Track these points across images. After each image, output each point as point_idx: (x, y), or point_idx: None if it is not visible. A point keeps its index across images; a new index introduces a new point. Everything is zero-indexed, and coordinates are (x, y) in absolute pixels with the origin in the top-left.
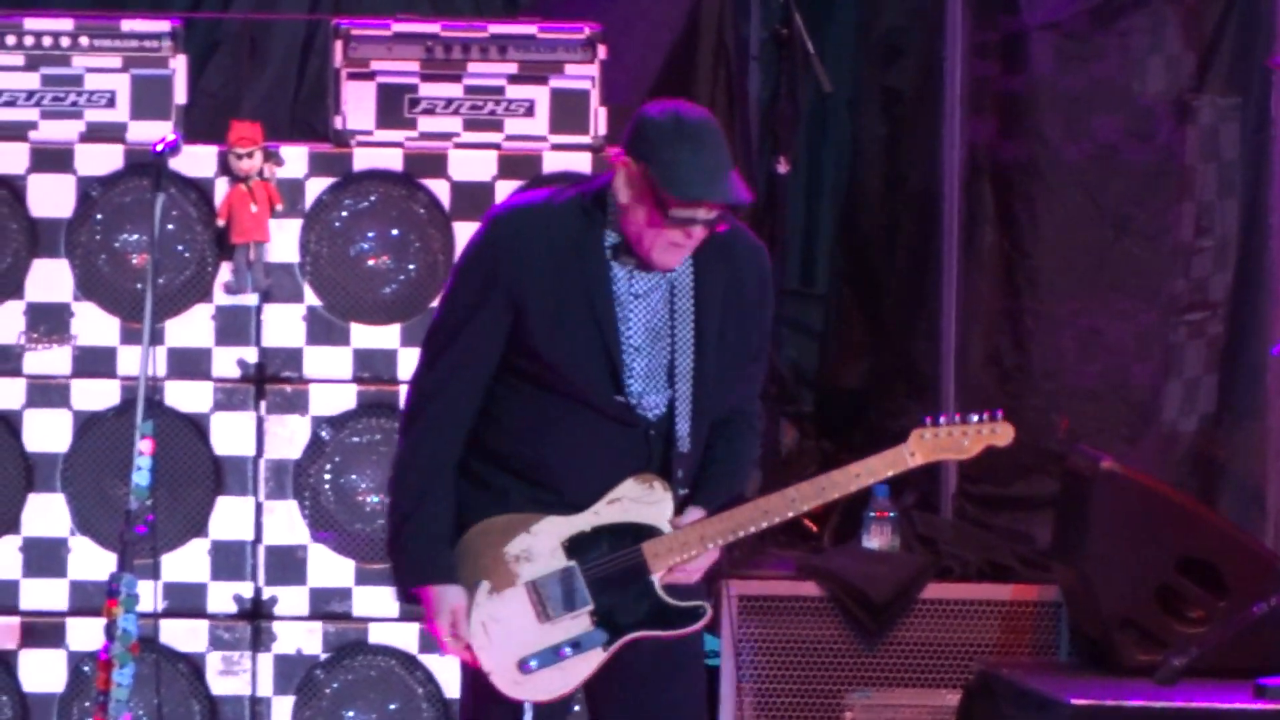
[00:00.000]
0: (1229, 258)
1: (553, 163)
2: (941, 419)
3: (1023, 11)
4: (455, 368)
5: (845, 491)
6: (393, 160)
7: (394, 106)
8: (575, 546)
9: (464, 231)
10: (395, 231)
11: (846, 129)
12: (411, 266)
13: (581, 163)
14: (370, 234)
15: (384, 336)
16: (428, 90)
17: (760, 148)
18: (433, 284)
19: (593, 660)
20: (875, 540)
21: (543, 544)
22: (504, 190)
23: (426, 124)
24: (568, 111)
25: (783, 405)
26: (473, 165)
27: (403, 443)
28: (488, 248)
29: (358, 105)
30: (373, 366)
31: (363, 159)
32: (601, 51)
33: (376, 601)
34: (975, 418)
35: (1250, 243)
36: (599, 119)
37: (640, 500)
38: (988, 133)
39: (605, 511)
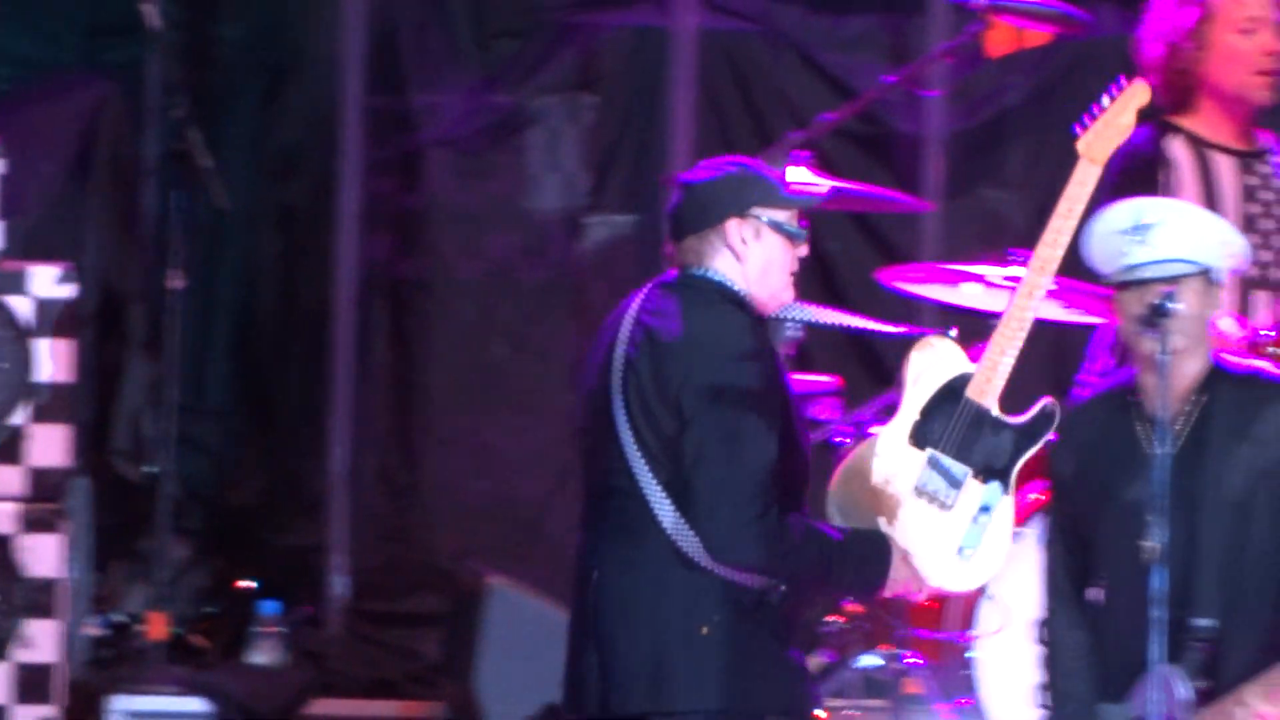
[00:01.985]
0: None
1: None
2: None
3: (420, 128)
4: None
5: (1071, 231)
6: None
7: None
8: (919, 437)
9: None
10: None
11: (241, 245)
12: None
13: None
14: None
15: None
16: None
17: (154, 263)
18: None
19: (1006, 507)
20: (262, 655)
21: (894, 457)
22: None
23: None
24: None
25: (175, 521)
26: None
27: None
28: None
29: None
30: None
31: None
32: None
33: None
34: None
35: None
36: None
37: (933, 363)
38: (384, 250)
39: (916, 392)
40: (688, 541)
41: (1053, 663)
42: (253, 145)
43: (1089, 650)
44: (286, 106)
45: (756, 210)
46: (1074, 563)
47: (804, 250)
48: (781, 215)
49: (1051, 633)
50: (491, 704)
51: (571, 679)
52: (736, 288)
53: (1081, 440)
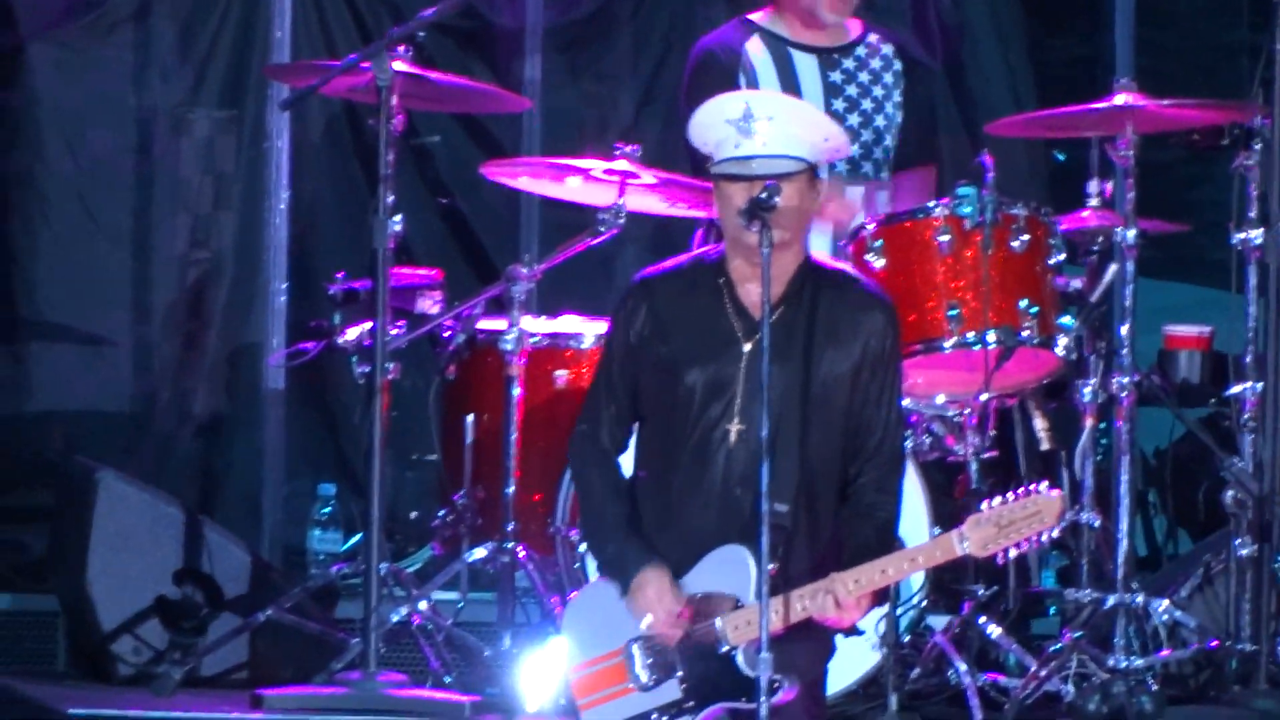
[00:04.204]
0: (224, 271)
1: None
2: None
3: (20, 24)
4: None
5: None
6: None
7: None
8: None
9: None
10: None
11: None
12: None
13: None
14: None
15: None
16: None
17: None
18: None
19: None
20: None
21: None
22: None
23: None
24: None
25: None
26: None
27: None
28: None
29: None
30: None
31: None
32: None
33: None
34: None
35: (246, 255)
36: None
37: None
38: None
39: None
40: None
41: (598, 528)
42: None
43: (629, 522)
44: None
45: None
46: (621, 433)
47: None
48: None
49: (593, 502)
50: (101, 597)
51: None
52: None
53: (661, 309)
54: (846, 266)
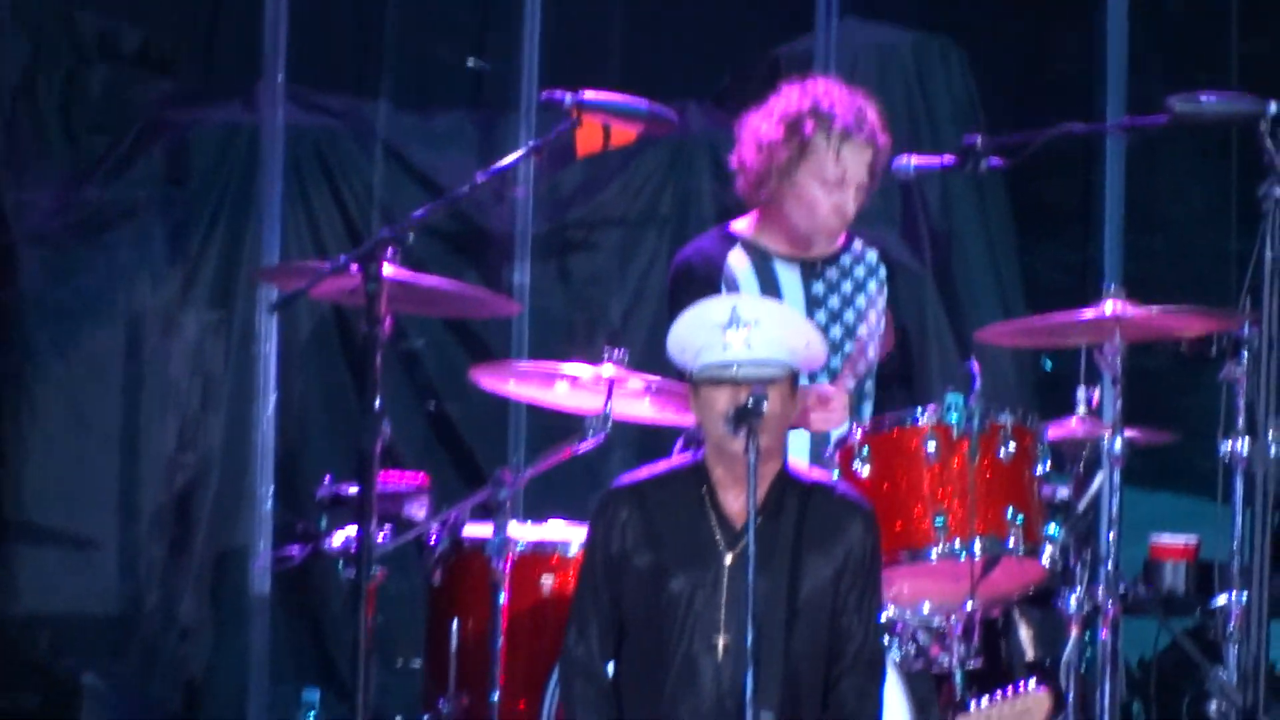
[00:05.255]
0: (211, 473)
1: None
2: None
3: (10, 224)
4: None
5: None
6: None
7: None
8: None
9: None
10: None
11: None
12: None
13: None
14: None
15: None
16: None
17: None
18: None
19: None
20: None
21: None
22: None
23: None
24: None
25: None
26: None
27: None
28: None
29: None
30: None
31: None
32: None
33: None
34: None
35: (233, 458)
36: None
37: None
38: None
39: None
40: None
41: None
42: None
43: None
44: None
45: None
46: (609, 642)
47: None
48: None
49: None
50: None
51: None
52: None
53: (642, 518)
54: (821, 473)
